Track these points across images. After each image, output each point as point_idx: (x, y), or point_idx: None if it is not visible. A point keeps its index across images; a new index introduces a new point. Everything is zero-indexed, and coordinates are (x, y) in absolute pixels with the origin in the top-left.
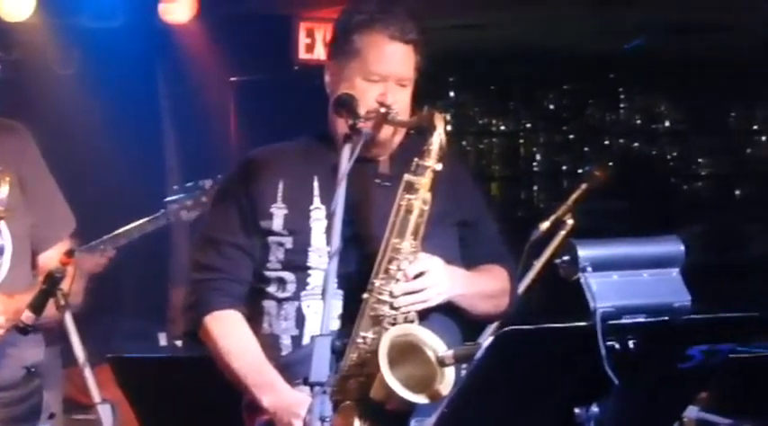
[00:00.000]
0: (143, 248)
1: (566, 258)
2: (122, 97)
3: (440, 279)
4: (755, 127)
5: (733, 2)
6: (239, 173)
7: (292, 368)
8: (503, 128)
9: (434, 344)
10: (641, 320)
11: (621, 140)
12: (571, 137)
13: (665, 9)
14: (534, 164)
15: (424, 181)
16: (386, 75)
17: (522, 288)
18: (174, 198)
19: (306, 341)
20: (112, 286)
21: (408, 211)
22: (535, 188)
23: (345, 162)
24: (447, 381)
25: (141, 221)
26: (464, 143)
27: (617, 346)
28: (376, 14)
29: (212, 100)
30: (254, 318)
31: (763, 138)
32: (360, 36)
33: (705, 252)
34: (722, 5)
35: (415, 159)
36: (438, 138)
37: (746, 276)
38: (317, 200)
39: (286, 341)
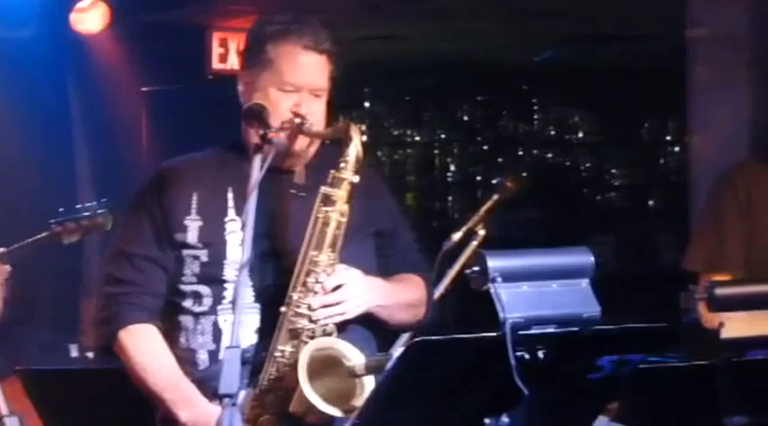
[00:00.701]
0: (54, 259)
1: (476, 268)
2: (33, 107)
3: (358, 292)
4: (668, 137)
5: (642, 12)
6: (152, 184)
7: (209, 383)
8: (417, 138)
9: (354, 357)
10: (551, 331)
11: (535, 151)
12: (485, 147)
13: (576, 20)
14: (449, 174)
15: (340, 194)
16: (300, 85)
17: (434, 297)
18: (59, 219)
19: (221, 355)
20: (23, 297)
21: (325, 224)
22: (450, 198)
23: (256, 172)
24: (365, 393)
25: (28, 240)
26: (379, 153)
27: (526, 356)
28: (290, 25)
29: (124, 110)
30: (170, 332)
31: (677, 149)
32: (273, 46)
33: (617, 263)
34: (632, 16)
35: (332, 171)
36: (354, 150)
37: (659, 286)
38: (231, 212)
39: (203, 356)
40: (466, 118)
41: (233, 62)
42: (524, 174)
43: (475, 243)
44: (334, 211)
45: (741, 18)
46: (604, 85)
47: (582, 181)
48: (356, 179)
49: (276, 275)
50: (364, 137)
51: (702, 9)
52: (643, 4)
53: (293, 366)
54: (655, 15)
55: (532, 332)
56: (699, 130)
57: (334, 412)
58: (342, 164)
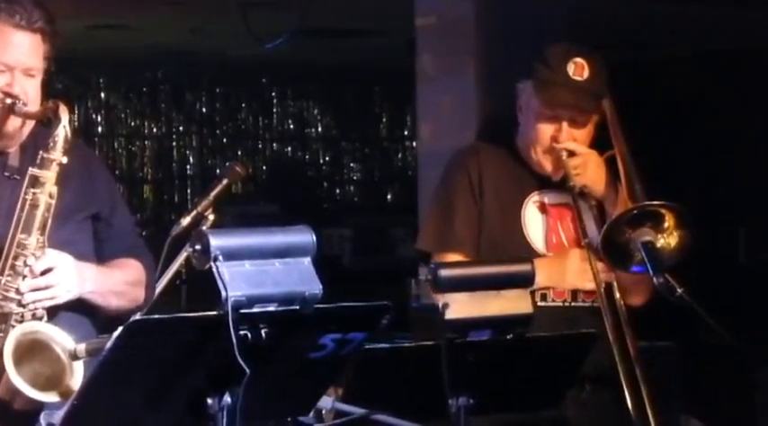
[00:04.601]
0: None
1: (197, 247)
2: None
3: (68, 276)
4: (405, 132)
5: (373, 7)
6: None
7: None
8: (155, 130)
9: (63, 341)
10: (272, 309)
11: (275, 145)
12: (225, 140)
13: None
14: (188, 166)
15: (49, 175)
16: (12, 64)
17: (163, 283)
18: None
19: None
20: None
21: (34, 206)
22: (188, 191)
23: None
24: (77, 376)
25: None
26: (115, 145)
27: (249, 335)
28: (1, 3)
29: None
30: None
31: (414, 144)
32: None
33: (353, 256)
34: (367, 10)
35: (41, 152)
36: (63, 130)
37: (394, 279)
38: None
39: None
40: (204, 110)
41: None
42: (264, 168)
43: (205, 228)
44: (43, 193)
45: (466, 5)
46: (340, 80)
47: (319, 175)
48: (65, 160)
49: None
50: (99, 128)
51: None
52: None
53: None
54: (390, 10)
55: (254, 310)
56: (427, 121)
57: (42, 396)
58: (50, 144)
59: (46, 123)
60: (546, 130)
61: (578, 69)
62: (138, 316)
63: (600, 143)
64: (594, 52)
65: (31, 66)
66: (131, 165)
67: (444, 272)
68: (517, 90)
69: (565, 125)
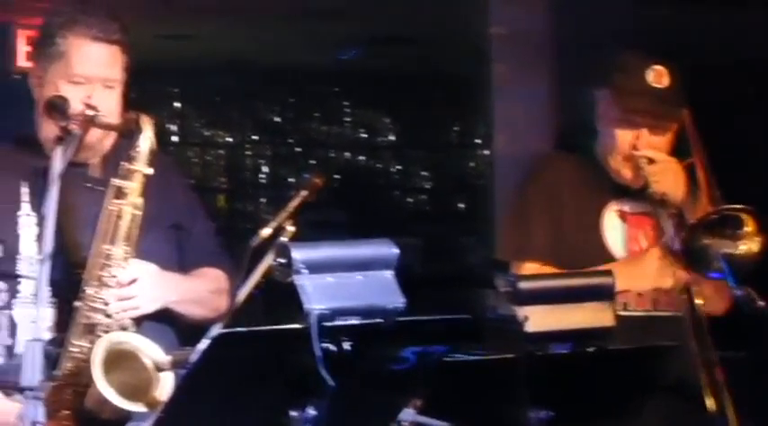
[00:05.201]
0: None
1: (280, 260)
2: None
3: (153, 286)
4: (476, 140)
5: (442, 14)
6: None
7: (5, 377)
8: (228, 139)
9: (150, 351)
10: (355, 322)
11: (346, 153)
12: (296, 149)
13: (376, 22)
14: (260, 175)
15: (133, 186)
16: (90, 77)
17: (243, 293)
18: None
19: (19, 349)
20: None
21: (118, 217)
22: (261, 200)
23: (58, 164)
24: (164, 387)
25: None
26: (189, 154)
27: (332, 348)
28: (77, 15)
29: None
30: None
31: (486, 152)
32: (63, 38)
33: (423, 265)
34: (434, 18)
35: (123, 163)
36: (146, 142)
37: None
38: (25, 207)
39: None
40: (277, 119)
41: None
42: (337, 177)
43: (284, 239)
44: (128, 204)
45: (540, 17)
46: (410, 88)
47: (389, 183)
48: (149, 171)
49: (71, 269)
50: (174, 138)
51: (503, 9)
52: (443, 4)
53: (89, 361)
54: (456, 18)
55: (337, 323)
56: (502, 130)
57: (130, 406)
58: (134, 156)
59: (128, 134)
60: (625, 138)
61: (657, 76)
62: (222, 329)
63: (678, 150)
64: (671, 59)
65: (109, 78)
66: (205, 174)
67: (524, 284)
68: (594, 98)
69: (644, 132)
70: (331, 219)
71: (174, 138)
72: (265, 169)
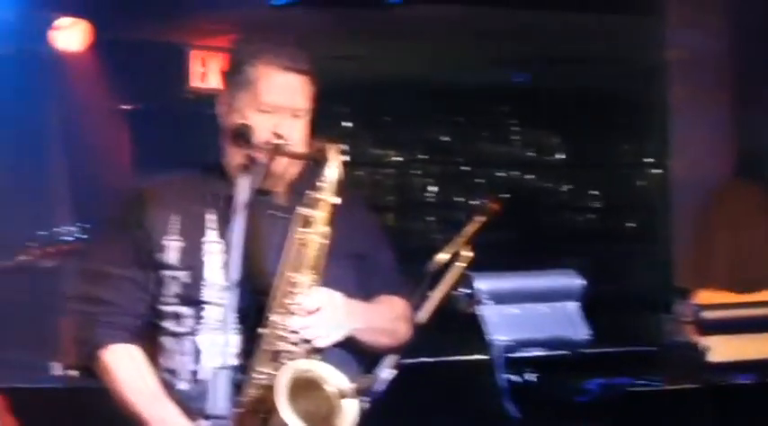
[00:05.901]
0: (28, 277)
1: (463, 290)
2: (9, 127)
3: (338, 314)
4: (646, 159)
5: (615, 34)
6: (131, 204)
7: (191, 403)
8: (398, 159)
9: (334, 379)
10: (539, 353)
11: (514, 172)
12: (464, 168)
13: (548, 41)
14: (426, 194)
15: (319, 215)
16: (278, 106)
17: (419, 320)
18: (36, 242)
19: (202, 375)
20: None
21: (303, 245)
22: (428, 219)
23: (244, 192)
24: (347, 416)
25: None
26: (360, 173)
27: (515, 379)
28: (268, 45)
29: (103, 127)
30: (151, 352)
31: (655, 171)
32: (252, 67)
33: (591, 286)
34: (605, 37)
35: (310, 192)
36: (333, 171)
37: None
38: (211, 233)
39: (183, 376)
40: (445, 138)
41: (213, 81)
42: (507, 196)
43: (460, 264)
44: (314, 233)
45: (720, 39)
46: (579, 106)
47: (558, 202)
48: (336, 200)
49: (256, 296)
50: (347, 157)
51: (680, 31)
52: (617, 26)
53: (273, 388)
54: (629, 37)
55: (521, 354)
56: (680, 152)
57: None
58: (320, 185)
59: (314, 163)
60: None
61: None
62: (401, 358)
63: None
64: None
65: (297, 108)
66: (374, 193)
67: (707, 314)
68: None
69: None
70: (499, 239)
71: (345, 158)
72: (433, 188)
